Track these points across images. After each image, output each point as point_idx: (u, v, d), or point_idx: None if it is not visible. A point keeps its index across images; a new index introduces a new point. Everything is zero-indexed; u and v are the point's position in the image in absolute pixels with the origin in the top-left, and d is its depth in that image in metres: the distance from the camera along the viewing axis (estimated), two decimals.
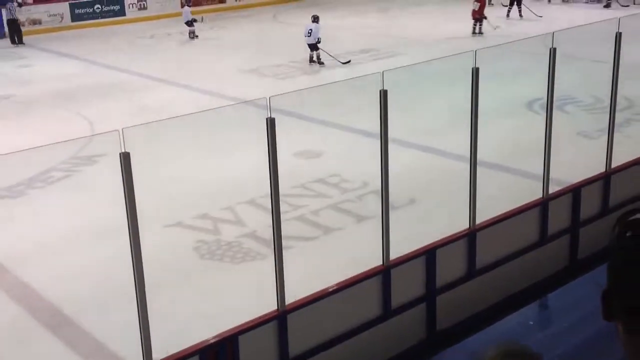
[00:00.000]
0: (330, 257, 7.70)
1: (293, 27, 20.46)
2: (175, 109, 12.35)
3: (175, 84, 16.07)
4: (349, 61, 17.35)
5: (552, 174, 7.57)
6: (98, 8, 25.35)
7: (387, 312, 6.42)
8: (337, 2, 28.04)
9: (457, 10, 25.21)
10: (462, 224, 7.00)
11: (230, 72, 16.98)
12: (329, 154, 11.03)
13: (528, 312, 6.60)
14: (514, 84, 13.82)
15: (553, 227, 7.59)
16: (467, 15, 20.96)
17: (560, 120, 8.82)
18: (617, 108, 8.37)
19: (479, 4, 20.66)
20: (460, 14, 24.32)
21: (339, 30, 21.21)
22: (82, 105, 14.31)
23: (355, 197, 9.31)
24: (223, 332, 5.59)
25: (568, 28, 11.46)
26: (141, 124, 5.47)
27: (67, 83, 16.50)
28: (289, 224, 7.82)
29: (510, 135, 11.03)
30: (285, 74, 16.71)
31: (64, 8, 24.73)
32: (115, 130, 4.54)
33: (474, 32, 20.72)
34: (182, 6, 22.99)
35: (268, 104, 5.29)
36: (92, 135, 11.70)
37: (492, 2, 24.90)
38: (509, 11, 23.30)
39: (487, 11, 21.24)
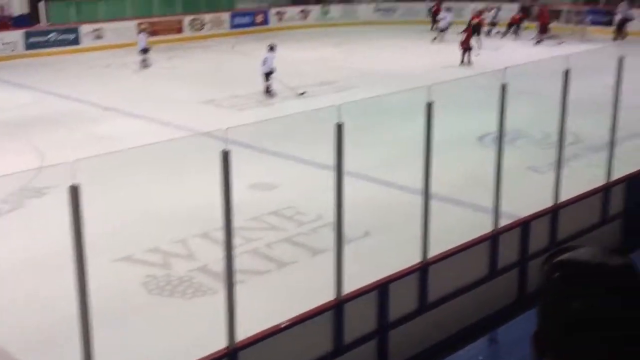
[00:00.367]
0: (283, 292, 7.65)
1: (251, 58, 20.54)
2: (130, 139, 12.22)
3: (131, 114, 15.92)
4: (304, 92, 17.47)
5: (503, 208, 7.69)
6: (52, 37, 25.06)
7: (340, 347, 6.38)
8: (296, 35, 28.32)
9: (413, 44, 25.70)
10: (415, 257, 7.04)
11: (186, 103, 16.91)
12: (285, 186, 11.02)
13: (478, 347, 6.63)
14: (466, 118, 14.08)
15: (503, 260, 7.68)
16: (424, 50, 21.40)
17: (511, 155, 9.01)
18: (565, 143, 8.58)
19: (465, 34, 21.52)
20: (414, 48, 24.80)
21: (298, 62, 21.37)
22: (34, 136, 14.05)
23: (309, 230, 9.30)
24: None
25: (517, 65, 11.75)
26: (93, 156, 5.40)
27: (19, 113, 16.20)
28: (242, 257, 7.76)
29: (463, 168, 11.20)
30: (242, 105, 16.71)
31: (17, 36, 24.37)
32: (67, 162, 4.46)
33: (462, 62, 21.41)
34: (139, 33, 22.87)
35: (224, 135, 5.28)
36: (41, 167, 11.48)
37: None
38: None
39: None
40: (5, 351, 6.67)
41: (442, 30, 25.64)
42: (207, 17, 29.12)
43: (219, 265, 6.42)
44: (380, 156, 12.22)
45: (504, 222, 7.78)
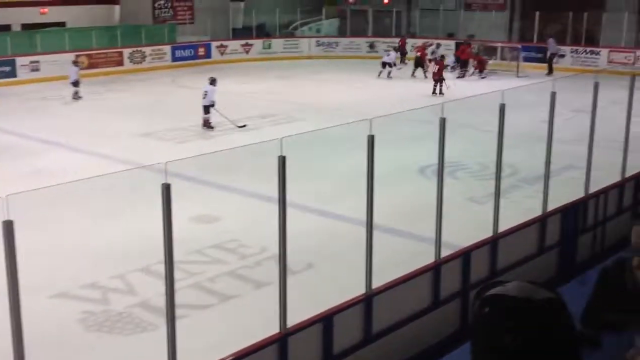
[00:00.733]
0: (226, 326, 7.53)
1: (191, 91, 20.45)
2: (70, 173, 11.95)
3: (69, 147, 15.59)
4: (245, 125, 17.47)
5: (444, 238, 7.80)
6: None
7: None
8: (237, 68, 28.38)
9: (356, 78, 26.07)
10: (359, 288, 7.04)
11: (126, 136, 16.67)
12: (227, 219, 10.92)
13: None
14: (408, 150, 14.31)
15: (445, 290, 7.76)
16: (366, 84, 21.72)
17: (451, 186, 9.18)
18: (502, 175, 8.80)
19: (437, 66, 22.61)
20: (357, 82, 25.14)
21: (239, 95, 21.39)
22: None
23: (253, 262, 9.22)
24: None
25: (456, 100, 12.05)
26: (28, 190, 5.24)
27: None
28: (183, 292, 7.63)
29: (405, 200, 11.34)
30: (182, 138, 16.59)
31: None
32: (0, 197, 4.33)
33: (434, 92, 22.27)
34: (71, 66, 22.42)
35: (165, 168, 5.21)
36: None
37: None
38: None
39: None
40: None
41: (388, 66, 26.07)
42: (148, 49, 28.93)
43: (160, 300, 6.28)
44: (323, 188, 12.27)
45: (445, 252, 7.88)
